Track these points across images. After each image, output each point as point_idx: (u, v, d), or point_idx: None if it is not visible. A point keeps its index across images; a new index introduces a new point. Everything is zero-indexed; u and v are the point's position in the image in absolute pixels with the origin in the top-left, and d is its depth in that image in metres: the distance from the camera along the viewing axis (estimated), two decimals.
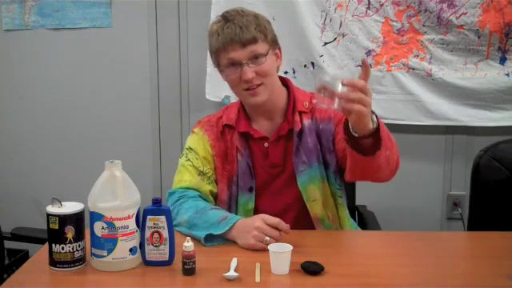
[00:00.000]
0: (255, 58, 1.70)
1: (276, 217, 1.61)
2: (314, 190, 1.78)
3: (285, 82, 1.85)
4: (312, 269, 1.43)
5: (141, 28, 2.86)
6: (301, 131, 1.78)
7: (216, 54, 1.74)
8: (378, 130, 1.47)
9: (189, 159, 1.84)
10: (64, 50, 2.92)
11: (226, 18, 1.72)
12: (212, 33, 1.74)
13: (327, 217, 1.80)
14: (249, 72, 1.69)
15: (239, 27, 1.68)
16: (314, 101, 1.49)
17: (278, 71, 1.82)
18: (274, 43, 1.76)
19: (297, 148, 1.78)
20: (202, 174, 1.82)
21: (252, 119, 1.83)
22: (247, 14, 1.73)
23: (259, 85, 1.72)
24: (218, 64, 1.77)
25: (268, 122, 1.82)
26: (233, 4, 2.65)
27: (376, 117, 1.48)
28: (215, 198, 1.84)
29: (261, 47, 1.70)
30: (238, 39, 1.68)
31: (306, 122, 1.79)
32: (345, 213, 1.86)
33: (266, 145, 1.81)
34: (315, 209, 1.79)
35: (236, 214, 1.80)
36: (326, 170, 1.80)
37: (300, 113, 1.79)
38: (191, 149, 1.85)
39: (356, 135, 1.47)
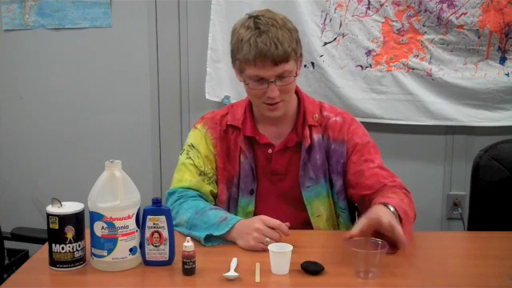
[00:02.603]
0: (282, 76, 1.66)
1: None
2: (319, 206, 1.79)
3: (295, 89, 1.81)
4: (312, 269, 1.43)
5: (141, 28, 2.86)
6: (310, 147, 1.77)
7: (242, 62, 1.67)
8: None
9: (190, 157, 1.82)
10: (64, 50, 2.92)
11: (258, 27, 1.64)
12: (242, 40, 1.65)
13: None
14: (275, 90, 1.66)
15: (274, 43, 1.61)
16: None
17: None
18: (300, 56, 1.73)
19: (304, 163, 1.77)
20: (202, 173, 1.80)
21: (258, 122, 1.81)
22: (280, 24, 1.65)
23: (280, 101, 1.70)
24: (239, 70, 1.71)
25: (275, 127, 1.80)
26: (232, 4, 2.67)
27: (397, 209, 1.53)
28: (215, 198, 1.83)
29: (290, 65, 1.66)
30: (270, 56, 1.61)
31: (316, 136, 1.78)
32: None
33: (270, 151, 1.79)
34: (319, 224, 1.79)
35: (235, 215, 1.79)
36: (332, 189, 1.80)
37: (310, 126, 1.78)
38: (193, 146, 1.83)
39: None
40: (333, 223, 1.82)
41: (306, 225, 1.80)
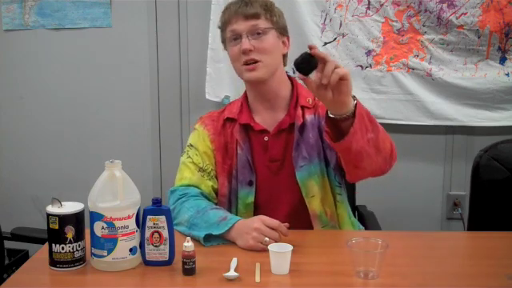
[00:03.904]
0: (257, 33, 1.74)
1: (274, 211, 1.63)
2: (313, 186, 1.78)
3: (289, 78, 1.87)
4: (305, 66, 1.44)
5: (141, 28, 2.86)
6: (302, 126, 1.78)
7: (222, 29, 1.82)
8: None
9: (189, 156, 1.84)
10: (64, 50, 2.92)
11: None
12: (223, 10, 1.82)
13: (325, 213, 1.80)
14: (247, 43, 1.72)
15: (245, 2, 1.76)
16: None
17: (285, 63, 1.84)
18: (281, 29, 1.80)
19: (297, 143, 1.78)
20: (201, 170, 1.82)
21: (254, 111, 1.84)
22: None
23: (257, 61, 1.74)
24: (224, 41, 1.83)
25: (270, 114, 1.82)
26: None
27: (354, 98, 1.53)
28: (217, 193, 1.84)
29: (262, 23, 1.75)
30: (241, 12, 1.75)
31: (309, 117, 1.79)
32: (346, 211, 1.86)
33: (266, 138, 1.81)
34: (313, 205, 1.78)
35: (236, 207, 1.81)
36: (327, 167, 1.80)
37: (302, 107, 1.80)
38: (192, 145, 1.86)
39: (338, 117, 1.51)
40: (329, 204, 1.81)
41: (307, 214, 1.78)
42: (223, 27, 1.81)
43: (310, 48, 1.47)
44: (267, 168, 1.81)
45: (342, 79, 1.46)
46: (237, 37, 1.75)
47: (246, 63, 1.74)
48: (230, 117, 1.85)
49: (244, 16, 1.74)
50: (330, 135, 1.57)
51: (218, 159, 1.83)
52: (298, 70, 1.47)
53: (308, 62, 1.45)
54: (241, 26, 1.74)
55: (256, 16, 1.74)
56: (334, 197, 1.82)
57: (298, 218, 1.76)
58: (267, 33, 1.75)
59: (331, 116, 1.54)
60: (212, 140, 1.84)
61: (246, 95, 1.87)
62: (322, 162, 1.79)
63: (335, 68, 1.45)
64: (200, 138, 1.86)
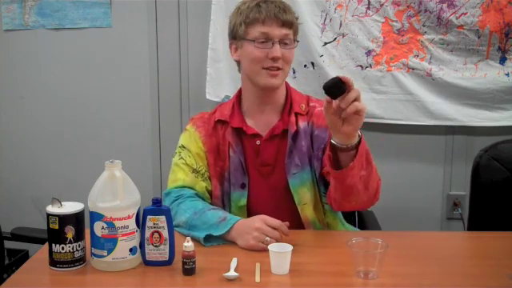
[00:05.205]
0: (284, 42, 1.73)
1: (266, 214, 1.62)
2: (305, 194, 1.78)
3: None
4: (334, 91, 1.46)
5: (141, 28, 2.86)
6: (296, 134, 1.78)
7: (248, 25, 1.73)
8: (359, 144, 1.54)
9: (182, 157, 1.84)
10: (64, 50, 2.92)
11: None
12: (249, 6, 1.74)
13: (318, 220, 1.81)
14: (279, 51, 1.71)
15: (282, 8, 1.73)
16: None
17: None
18: (296, 39, 1.80)
19: (290, 150, 1.78)
20: (195, 171, 1.82)
21: (246, 114, 1.83)
22: (283, 1, 1.78)
23: (280, 69, 1.73)
24: (242, 36, 1.75)
25: (263, 117, 1.82)
26: (232, 4, 2.66)
27: (359, 134, 1.56)
28: (210, 194, 1.84)
29: (292, 34, 1.75)
30: (280, 17, 1.71)
31: (302, 124, 1.79)
32: (337, 218, 1.86)
33: (257, 142, 1.80)
34: (306, 212, 1.79)
35: (229, 210, 1.80)
36: (316, 176, 1.80)
37: (296, 114, 1.80)
38: (184, 147, 1.85)
39: (338, 145, 1.54)
40: (320, 211, 1.81)
41: (296, 213, 1.78)
42: (251, 24, 1.72)
43: (340, 78, 1.48)
44: (258, 172, 1.81)
45: (357, 114, 1.48)
46: (266, 40, 1.72)
47: (270, 68, 1.73)
48: (221, 119, 1.84)
49: (282, 22, 1.71)
50: (331, 160, 1.59)
51: (210, 161, 1.83)
52: (328, 93, 1.48)
53: (339, 87, 1.47)
54: (275, 31, 1.71)
55: (290, 25, 1.73)
56: (323, 205, 1.82)
57: (293, 226, 1.74)
58: (292, 43, 1.75)
59: (333, 142, 1.56)
60: (204, 142, 1.84)
61: (237, 97, 1.86)
62: (312, 170, 1.79)
63: (355, 100, 1.47)
64: (192, 139, 1.85)
